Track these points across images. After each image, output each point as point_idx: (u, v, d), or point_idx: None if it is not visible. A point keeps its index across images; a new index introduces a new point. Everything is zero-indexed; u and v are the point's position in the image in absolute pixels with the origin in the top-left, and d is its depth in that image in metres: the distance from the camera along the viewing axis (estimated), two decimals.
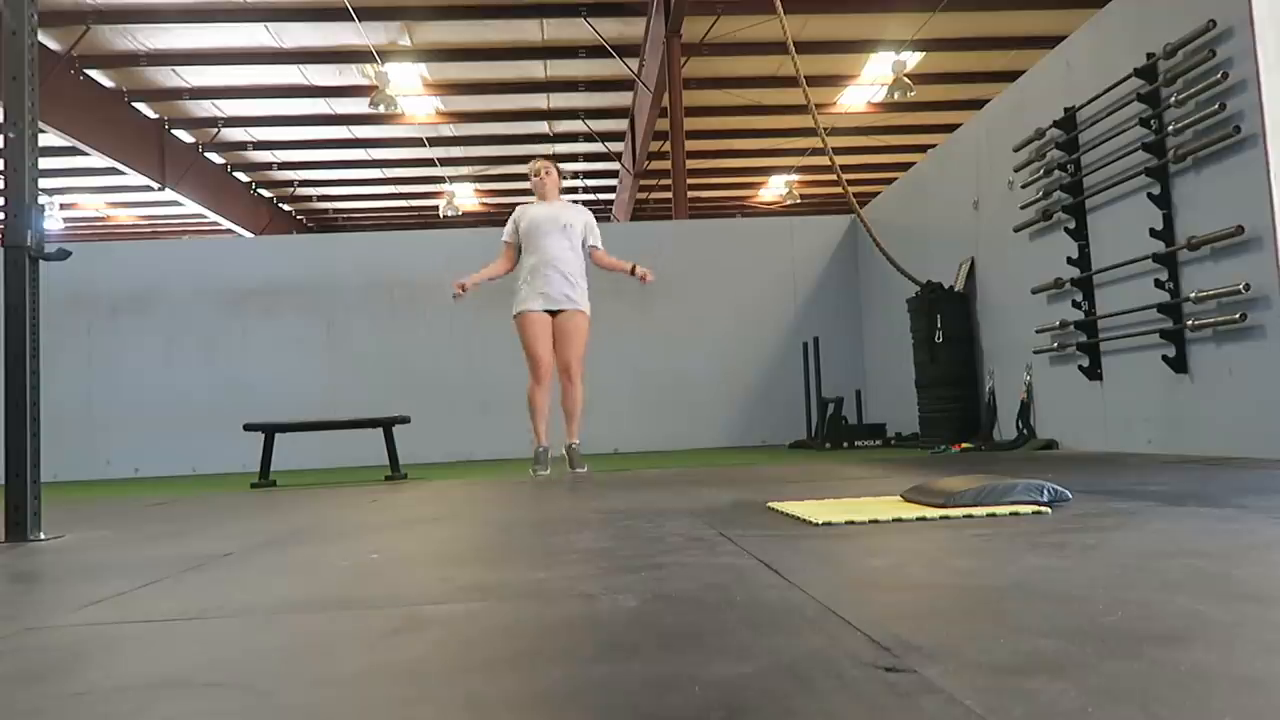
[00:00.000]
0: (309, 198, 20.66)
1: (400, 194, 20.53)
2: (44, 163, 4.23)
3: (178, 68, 13.48)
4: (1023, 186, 6.83)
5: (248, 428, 7.00)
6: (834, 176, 9.08)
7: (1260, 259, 4.60)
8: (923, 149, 15.06)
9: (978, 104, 9.59)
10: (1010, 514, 2.61)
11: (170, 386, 10.03)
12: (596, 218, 5.82)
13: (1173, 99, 5.13)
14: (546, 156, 6.00)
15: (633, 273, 5.61)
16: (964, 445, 7.18)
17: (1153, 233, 5.33)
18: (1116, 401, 5.92)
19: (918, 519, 2.63)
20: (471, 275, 5.56)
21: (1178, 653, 1.15)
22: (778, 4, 7.65)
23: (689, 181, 14.20)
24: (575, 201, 6.01)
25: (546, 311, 5.32)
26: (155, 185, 15.83)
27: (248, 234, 18.49)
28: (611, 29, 13.05)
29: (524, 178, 18.77)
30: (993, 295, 7.55)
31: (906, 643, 1.26)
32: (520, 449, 9.74)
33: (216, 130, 16.01)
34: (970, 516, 2.60)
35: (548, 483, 5.23)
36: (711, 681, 1.13)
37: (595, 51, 13.50)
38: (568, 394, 5.24)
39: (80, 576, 2.37)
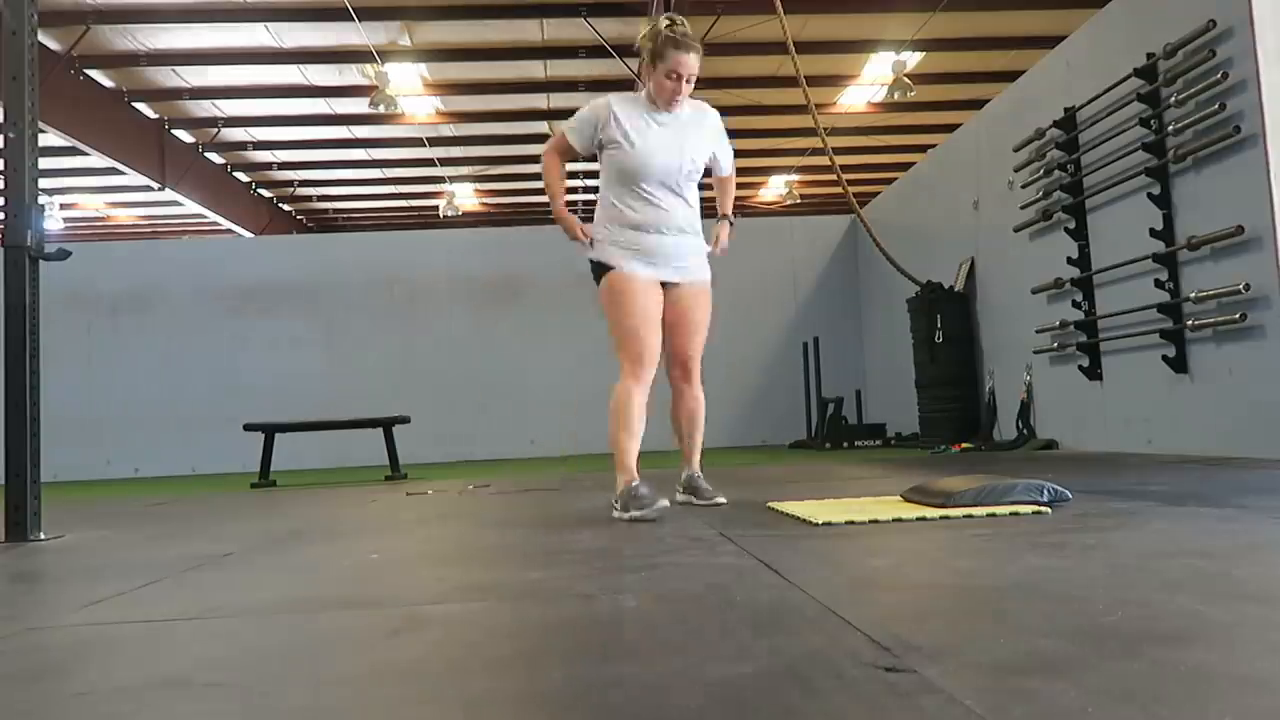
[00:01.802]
0: (309, 198, 20.63)
1: (400, 194, 20.50)
2: (44, 163, 4.23)
3: (178, 68, 13.46)
4: (1023, 186, 6.83)
5: (248, 428, 6.99)
6: (834, 176, 9.07)
7: (1260, 259, 4.60)
8: (923, 149, 15.03)
9: (978, 104, 9.58)
10: (1010, 514, 2.61)
11: (170, 386, 10.02)
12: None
13: (1173, 99, 5.12)
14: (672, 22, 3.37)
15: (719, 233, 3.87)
16: (964, 445, 7.17)
17: (1153, 233, 5.33)
18: (1116, 401, 5.92)
19: (918, 519, 2.63)
20: (571, 220, 3.50)
21: (1178, 653, 1.15)
22: (778, 4, 7.64)
23: None
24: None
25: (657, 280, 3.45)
26: (155, 185, 15.80)
27: (248, 234, 18.48)
28: (611, 29, 13.02)
29: (524, 178, 18.86)
30: (993, 295, 7.54)
31: (906, 643, 1.25)
32: (519, 449, 9.71)
33: (216, 130, 15.99)
34: (970, 516, 2.60)
35: (548, 484, 5.21)
36: (711, 681, 1.12)
37: (595, 51, 13.47)
38: (682, 403, 3.69)
39: (80, 576, 2.37)
